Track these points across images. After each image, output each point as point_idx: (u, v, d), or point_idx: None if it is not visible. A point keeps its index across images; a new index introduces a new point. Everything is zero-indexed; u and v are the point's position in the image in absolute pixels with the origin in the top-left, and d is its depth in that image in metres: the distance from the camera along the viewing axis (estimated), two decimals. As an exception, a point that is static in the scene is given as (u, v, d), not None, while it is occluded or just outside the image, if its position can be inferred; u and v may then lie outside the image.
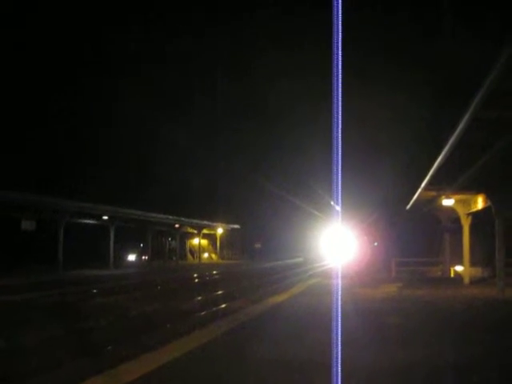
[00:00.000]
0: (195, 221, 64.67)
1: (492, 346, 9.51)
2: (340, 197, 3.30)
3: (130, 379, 7.13)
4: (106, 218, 46.01)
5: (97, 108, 52.40)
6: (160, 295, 22.80)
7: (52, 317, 14.90)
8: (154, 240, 61.31)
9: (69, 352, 9.82)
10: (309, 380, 7.09)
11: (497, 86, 9.30)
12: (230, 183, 69.78)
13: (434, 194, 23.47)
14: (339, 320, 3.38)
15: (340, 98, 3.31)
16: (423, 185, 21.18)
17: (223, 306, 17.46)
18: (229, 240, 79.88)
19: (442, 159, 15.76)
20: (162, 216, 54.52)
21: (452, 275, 29.48)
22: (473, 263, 24.98)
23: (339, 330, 3.35)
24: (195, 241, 74.63)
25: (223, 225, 73.27)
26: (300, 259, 63.28)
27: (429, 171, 18.50)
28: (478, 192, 21.32)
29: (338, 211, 3.39)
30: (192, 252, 77.29)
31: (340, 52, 3.35)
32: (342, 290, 3.45)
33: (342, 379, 3.35)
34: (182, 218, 60.16)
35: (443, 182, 20.28)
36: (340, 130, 3.29)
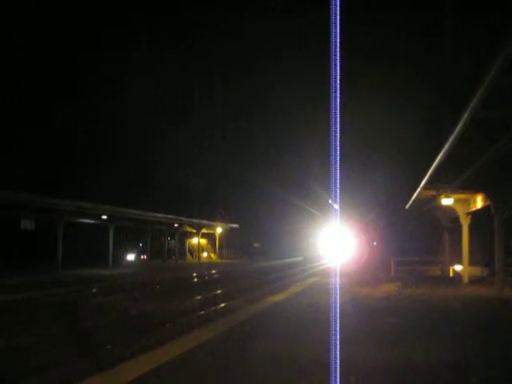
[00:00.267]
0: (194, 220, 64.65)
1: (490, 344, 9.52)
2: (338, 195, 3.30)
3: (129, 378, 7.14)
4: (105, 217, 45.98)
5: (96, 108, 52.33)
6: (159, 294, 22.81)
7: (50, 316, 14.92)
8: (153, 239, 61.26)
9: (67, 351, 9.82)
10: (308, 377, 7.10)
11: (496, 85, 9.31)
12: (229, 183, 69.85)
13: (433, 193, 23.49)
14: (337, 319, 3.38)
15: (338, 98, 3.31)
16: (423, 184, 21.20)
17: (222, 305, 17.45)
18: (228, 239, 79.82)
19: (441, 158, 15.78)
20: (161, 215, 54.50)
21: (451, 274, 29.50)
22: (472, 262, 24.99)
23: (337, 328, 3.34)
24: (194, 240, 74.59)
25: (222, 224, 73.26)
26: (299, 258, 63.31)
27: (428, 170, 18.52)
28: (477, 191, 21.34)
29: (336, 210, 3.39)
30: (191, 251, 77.24)
31: (338, 52, 3.35)
32: (341, 290, 3.45)
33: (340, 377, 3.35)
34: (181, 218, 60.13)
35: (443, 181, 20.30)
36: (338, 129, 3.29)
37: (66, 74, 53.25)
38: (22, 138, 46.10)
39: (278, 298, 18.46)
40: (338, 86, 3.30)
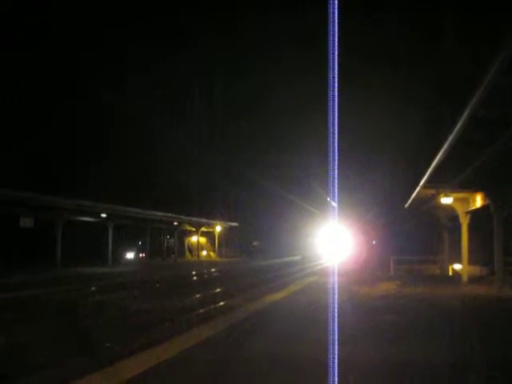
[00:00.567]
0: (194, 219, 64.66)
1: (489, 343, 9.52)
2: (336, 193, 3.31)
3: (128, 376, 7.15)
4: (104, 215, 46.01)
5: (97, 107, 52.30)
6: (159, 292, 22.81)
7: (48, 314, 14.92)
8: (152, 238, 61.31)
9: (64, 349, 9.82)
10: (306, 376, 7.11)
11: (495, 84, 9.32)
12: (229, 181, 69.82)
13: (432, 191, 23.49)
14: (335, 319, 3.39)
15: (336, 98, 3.32)
16: (422, 183, 21.21)
17: (221, 303, 17.46)
18: (227, 238, 79.85)
19: (440, 157, 15.79)
20: (160, 214, 54.51)
21: (450, 274, 29.52)
22: (471, 261, 25.01)
23: (335, 328, 3.35)
24: (194, 239, 74.63)
25: (222, 223, 73.28)
26: (298, 257, 63.33)
27: (428, 169, 18.53)
28: (476, 190, 21.35)
29: (334, 208, 3.39)
30: (190, 250, 77.29)
31: (336, 50, 3.35)
32: (340, 288, 3.46)
33: (338, 375, 3.36)
34: (181, 216, 60.15)
35: (442, 180, 20.31)
36: (336, 127, 3.30)
37: (67, 73, 53.21)
38: (22, 137, 46.09)
39: (277, 296, 18.46)
40: (336, 85, 3.31)
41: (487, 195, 19.70)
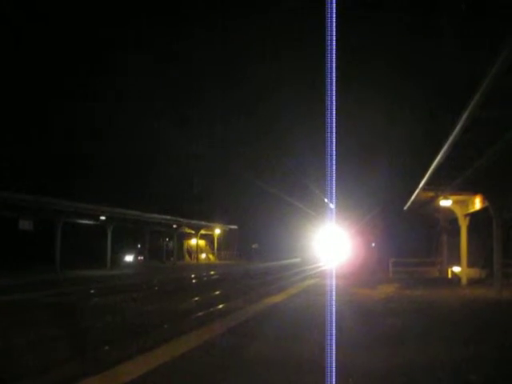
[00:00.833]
0: (193, 221, 64.64)
1: (489, 345, 9.50)
2: (334, 195, 3.29)
3: (128, 379, 7.13)
4: (103, 218, 45.98)
5: (95, 108, 52.28)
6: (157, 295, 22.77)
7: (46, 317, 14.87)
8: (151, 240, 61.27)
9: (62, 353, 9.78)
10: (305, 378, 7.08)
11: (495, 85, 9.30)
12: (228, 184, 69.82)
13: (432, 194, 23.50)
14: (333, 323, 3.36)
15: (334, 99, 3.30)
16: (421, 185, 21.20)
17: (220, 306, 17.41)
18: (226, 241, 79.79)
19: (440, 159, 15.78)
20: (159, 216, 54.50)
21: (449, 276, 29.49)
22: (470, 264, 24.99)
23: (333, 330, 3.32)
24: (193, 241, 74.61)
25: (221, 225, 73.27)
26: (297, 260, 63.29)
27: (427, 171, 18.52)
28: (475, 193, 21.34)
29: (332, 210, 3.37)
30: (189, 252, 77.26)
31: (334, 53, 3.33)
32: (339, 291, 3.43)
33: (336, 378, 3.33)
34: (180, 219, 60.12)
35: (441, 183, 20.30)
36: (334, 128, 3.27)
37: (65, 73, 53.22)
38: (21, 139, 46.08)
39: (276, 299, 18.43)
40: (334, 87, 3.29)
41: (486, 197, 19.68)
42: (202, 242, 77.12)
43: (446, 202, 22.79)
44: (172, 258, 66.02)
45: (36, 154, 46.31)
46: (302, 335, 10.45)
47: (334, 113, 3.32)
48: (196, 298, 20.36)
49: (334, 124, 3.29)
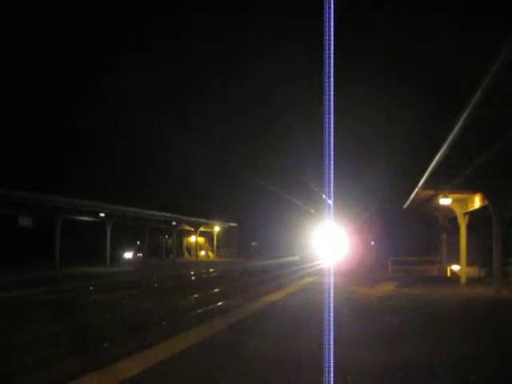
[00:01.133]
0: (192, 218, 64.65)
1: (488, 344, 9.51)
2: (332, 193, 3.29)
3: (128, 375, 7.14)
4: (102, 215, 45.99)
5: (94, 106, 52.28)
6: (156, 293, 22.77)
7: (46, 313, 14.89)
8: (150, 238, 61.30)
9: (62, 349, 9.78)
10: (304, 375, 7.09)
11: (494, 84, 9.30)
12: (227, 182, 69.81)
13: (431, 192, 23.49)
14: (331, 320, 3.36)
15: (332, 98, 3.30)
16: (421, 183, 21.19)
17: (219, 303, 17.42)
18: (226, 238, 79.79)
19: (439, 158, 15.77)
20: (158, 213, 54.51)
21: (449, 274, 29.50)
22: (470, 263, 24.99)
23: (331, 328, 3.33)
24: (192, 238, 74.66)
25: (220, 223, 73.28)
26: (296, 257, 63.32)
27: (426, 170, 18.51)
28: (475, 191, 21.33)
29: (331, 208, 3.37)
30: (189, 250, 77.30)
31: (332, 52, 3.33)
32: (338, 289, 3.44)
33: (334, 375, 3.33)
34: (179, 216, 60.14)
35: (441, 181, 20.29)
36: (332, 126, 3.28)
37: (65, 71, 53.19)
38: (20, 136, 46.07)
39: (276, 297, 18.44)
40: (332, 85, 3.29)
41: (486, 196, 19.67)
42: (201, 240, 77.17)
43: (445, 201, 22.77)
44: (171, 255, 66.05)
45: (36, 151, 46.29)
46: (301, 333, 10.45)
47: (332, 111, 3.32)
48: (195, 296, 20.38)
49: (332, 122, 3.30)
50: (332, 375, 3.29)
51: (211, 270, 41.24)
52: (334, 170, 3.27)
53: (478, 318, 13.50)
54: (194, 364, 8.05)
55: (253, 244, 79.37)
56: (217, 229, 74.44)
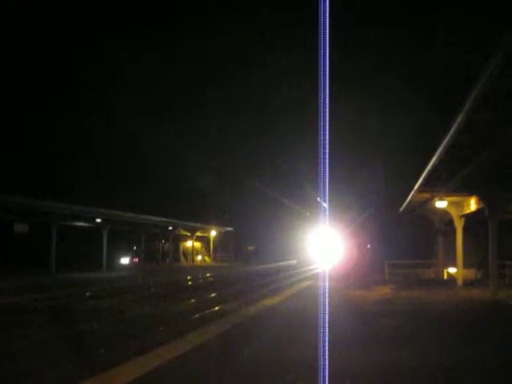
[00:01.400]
0: (189, 223, 64.62)
1: (486, 347, 9.51)
2: (327, 196, 3.29)
3: (124, 381, 7.11)
4: (99, 220, 45.93)
5: (88, 111, 52.31)
6: (153, 297, 22.71)
7: (39, 319, 14.83)
8: (147, 242, 61.22)
9: (56, 356, 9.74)
10: (300, 378, 7.08)
11: (489, 87, 9.33)
12: (223, 186, 69.76)
13: (427, 195, 23.53)
14: (331, 323, 3.36)
15: (327, 100, 3.30)
16: (417, 187, 21.23)
17: (217, 308, 17.40)
18: (222, 242, 79.83)
19: (435, 161, 15.81)
20: (155, 218, 54.48)
21: (445, 277, 29.52)
22: (466, 265, 25.03)
23: (327, 332, 3.32)
24: (188, 243, 74.62)
25: (217, 227, 73.28)
26: (293, 261, 63.27)
27: (422, 173, 18.55)
28: (471, 194, 21.38)
29: (327, 211, 3.36)
30: (185, 254, 77.23)
31: (328, 54, 3.34)
32: (335, 293, 3.45)
33: (331, 378, 3.32)
34: (176, 221, 60.11)
35: (437, 184, 20.33)
36: (327, 128, 3.28)
37: (58, 77, 53.16)
38: (15, 141, 45.98)
39: (273, 301, 18.41)
40: (328, 87, 3.29)
41: (482, 199, 19.72)
42: (197, 244, 77.14)
43: (441, 204, 22.83)
44: (168, 260, 65.96)
45: (32, 157, 46.20)
46: (298, 337, 10.43)
47: (328, 115, 3.32)
48: (192, 300, 20.35)
49: (328, 126, 3.30)
50: (327, 379, 3.28)
51: (208, 274, 41.19)
52: (329, 173, 3.27)
53: (476, 320, 13.51)
54: (189, 370, 8.02)
55: (249, 248, 79.37)
56: (213, 233, 74.42)
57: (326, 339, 3.28)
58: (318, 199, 3.33)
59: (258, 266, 56.10)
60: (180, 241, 74.73)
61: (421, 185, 20.51)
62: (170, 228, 62.65)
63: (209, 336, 10.79)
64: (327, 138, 3.30)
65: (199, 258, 77.56)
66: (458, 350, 9.14)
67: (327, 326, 3.34)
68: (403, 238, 33.41)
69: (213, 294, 22.91)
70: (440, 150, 14.45)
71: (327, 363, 3.28)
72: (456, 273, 25.80)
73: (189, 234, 70.24)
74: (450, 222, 25.39)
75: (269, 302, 18.16)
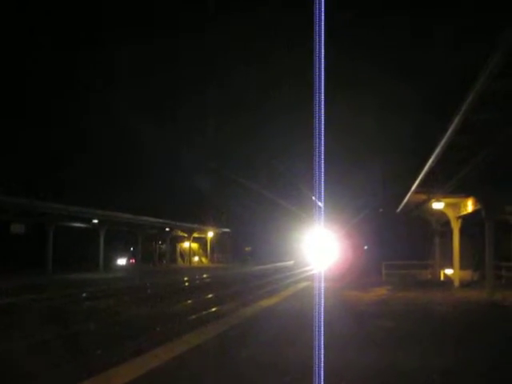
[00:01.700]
0: (186, 224, 64.56)
1: (483, 348, 9.52)
2: (323, 196, 3.29)
3: (121, 382, 7.09)
4: (95, 221, 45.87)
5: (85, 111, 52.24)
6: (150, 298, 22.68)
7: (35, 320, 14.79)
8: (144, 243, 61.16)
9: (52, 357, 9.72)
10: (297, 380, 7.08)
11: (487, 87, 9.34)
12: (220, 187, 69.74)
13: (424, 197, 23.55)
14: (327, 324, 3.36)
15: (323, 101, 3.30)
16: (413, 188, 21.25)
17: (214, 309, 17.39)
18: (219, 243, 79.78)
19: (432, 162, 15.82)
20: (152, 219, 54.42)
21: (442, 278, 29.54)
22: (463, 266, 25.05)
23: (322, 332, 3.32)
24: (185, 244, 74.57)
25: (214, 228, 73.21)
26: (290, 262, 63.24)
27: (419, 174, 18.56)
28: (467, 195, 21.41)
29: (323, 212, 3.36)
30: (182, 255, 77.17)
31: (323, 55, 3.34)
32: (332, 294, 3.44)
33: (325, 380, 3.32)
34: (173, 222, 60.05)
35: (433, 185, 20.35)
36: (322, 127, 3.28)
37: (55, 78, 53.10)
38: (12, 141, 45.90)
39: (270, 302, 18.41)
40: (323, 86, 3.29)
41: (478, 200, 19.74)
42: (194, 245, 77.10)
43: (438, 205, 22.85)
44: (165, 261, 65.89)
45: (28, 158, 46.13)
46: (295, 338, 10.42)
47: (323, 116, 3.32)
48: (189, 302, 20.33)
49: (323, 127, 3.30)
50: (322, 379, 3.28)
51: (205, 275, 41.14)
52: (325, 174, 3.27)
53: (472, 322, 13.52)
54: (186, 371, 8.01)
55: (246, 249, 79.33)
56: (210, 234, 74.34)
57: (322, 341, 3.28)
58: (315, 200, 3.33)
59: (255, 267, 56.08)
60: (177, 242, 74.69)
61: (418, 186, 20.53)
62: (167, 229, 62.60)
63: (206, 337, 10.78)
64: (322, 138, 3.30)
65: (196, 259, 77.51)
66: (454, 352, 9.14)
67: (323, 327, 3.34)
68: (400, 239, 33.45)
69: (210, 295, 22.89)
70: (437, 151, 14.46)
71: (322, 364, 3.28)
72: (453, 274, 25.82)
73: (186, 235, 70.20)
74: (447, 223, 25.41)
75: (266, 303, 18.15)
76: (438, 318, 14.10)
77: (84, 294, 24.41)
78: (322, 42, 3.34)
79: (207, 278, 39.46)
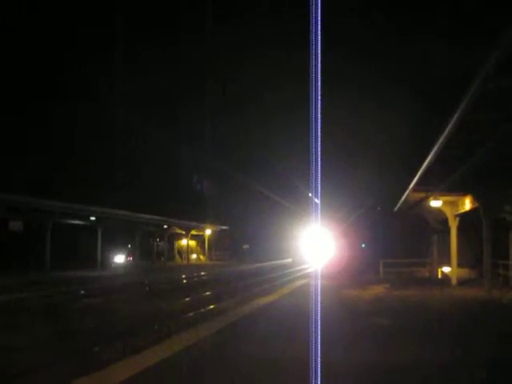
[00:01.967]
0: (184, 222, 64.50)
1: (480, 345, 9.55)
2: (319, 189, 3.30)
3: (119, 379, 7.10)
4: (93, 218, 45.83)
5: (82, 109, 52.07)
6: (148, 296, 22.71)
7: (34, 318, 14.79)
8: (142, 241, 61.11)
9: (50, 353, 9.73)
10: (294, 376, 7.09)
11: (484, 88, 9.36)
12: (219, 185, 69.75)
13: (422, 195, 23.58)
14: (325, 321, 3.37)
15: (319, 100, 3.32)
16: (411, 186, 21.26)
17: (211, 306, 17.40)
18: (217, 241, 79.80)
19: (430, 160, 15.84)
20: (150, 217, 54.32)
21: (440, 276, 29.59)
22: (460, 264, 25.10)
23: (318, 330, 3.34)
24: (183, 242, 74.53)
25: (211, 226, 73.14)
26: (289, 260, 63.26)
27: (417, 172, 18.58)
28: (465, 193, 21.44)
29: (322, 210, 3.38)
30: (180, 253, 77.16)
31: (319, 50, 3.35)
32: (330, 291, 3.46)
33: (321, 376, 3.34)
34: (171, 219, 59.98)
35: (431, 183, 20.37)
36: (319, 127, 3.29)
37: (52, 73, 52.95)
38: (11, 140, 45.78)
39: (268, 299, 18.41)
40: (319, 85, 3.30)
41: (476, 198, 19.78)
42: (192, 243, 77.09)
43: (436, 203, 22.89)
44: (162, 259, 65.86)
45: (26, 155, 46.01)
46: (293, 335, 10.44)
47: (319, 114, 3.33)
48: (187, 299, 20.34)
49: (319, 124, 3.31)
50: (319, 375, 3.30)
51: (202, 273, 41.16)
52: (322, 171, 3.28)
53: (469, 319, 13.55)
54: (185, 368, 8.02)
55: (244, 247, 79.33)
56: (208, 232, 74.27)
57: (318, 337, 3.29)
58: (312, 198, 3.34)
59: (253, 265, 56.07)
60: (175, 239, 74.65)
61: (416, 184, 20.55)
62: (165, 226, 62.56)
63: (204, 334, 10.80)
64: (319, 135, 3.31)
65: (194, 256, 77.51)
66: (450, 349, 9.15)
67: (319, 325, 3.36)
68: (398, 237, 33.48)
69: (207, 293, 22.89)
70: (435, 149, 14.48)
71: (319, 360, 3.29)
72: (450, 272, 25.86)
73: (184, 233, 70.14)
74: (445, 222, 25.44)
75: (263, 300, 18.15)
76: (434, 316, 14.10)
77: (82, 292, 24.38)
78: (319, 40, 3.35)
79: (205, 275, 39.45)
